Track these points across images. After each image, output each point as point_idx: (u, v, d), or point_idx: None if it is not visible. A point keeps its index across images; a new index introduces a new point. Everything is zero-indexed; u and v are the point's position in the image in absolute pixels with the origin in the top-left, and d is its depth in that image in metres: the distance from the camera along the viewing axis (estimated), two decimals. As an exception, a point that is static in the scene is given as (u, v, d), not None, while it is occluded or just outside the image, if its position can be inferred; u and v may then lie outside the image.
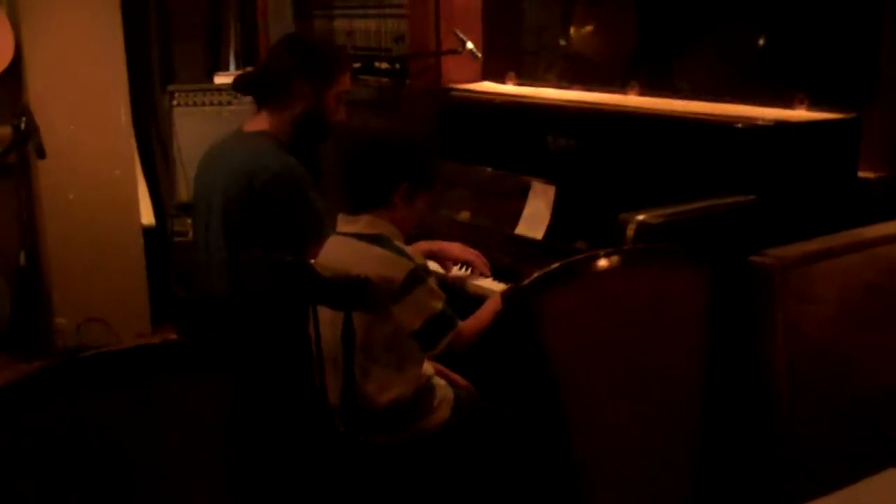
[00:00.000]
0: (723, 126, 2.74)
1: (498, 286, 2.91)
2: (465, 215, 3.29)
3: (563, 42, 3.77)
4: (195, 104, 4.62)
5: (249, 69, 4.63)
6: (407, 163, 2.64)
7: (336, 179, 2.89)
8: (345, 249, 2.63)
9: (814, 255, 2.36)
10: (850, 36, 2.85)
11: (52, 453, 1.54)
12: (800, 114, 2.82)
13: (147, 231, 4.76)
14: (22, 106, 4.29)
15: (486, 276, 3.03)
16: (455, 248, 3.07)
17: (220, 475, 1.70)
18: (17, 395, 1.51)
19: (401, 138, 2.73)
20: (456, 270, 3.08)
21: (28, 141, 4.18)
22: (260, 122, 3.08)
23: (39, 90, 4.43)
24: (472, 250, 3.08)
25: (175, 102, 4.61)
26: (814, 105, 2.83)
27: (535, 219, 3.04)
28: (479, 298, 2.88)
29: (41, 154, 4.13)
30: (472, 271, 3.06)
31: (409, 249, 2.62)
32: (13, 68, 4.38)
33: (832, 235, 2.49)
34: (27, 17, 4.39)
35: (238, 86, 3.16)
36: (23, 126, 4.16)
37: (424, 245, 3.00)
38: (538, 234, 3.01)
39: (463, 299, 2.91)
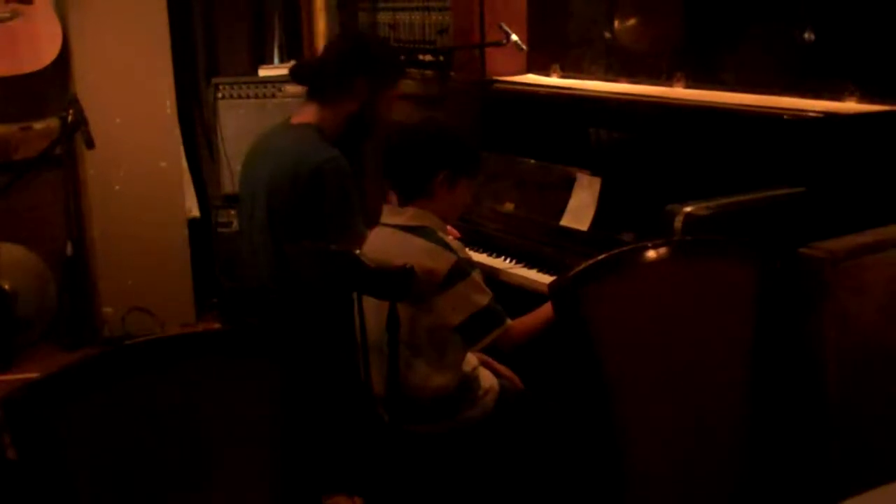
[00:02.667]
0: (771, 118, 2.71)
1: (543, 278, 2.90)
2: (509, 207, 3.29)
3: (607, 34, 3.74)
4: (240, 97, 4.66)
5: (294, 62, 4.65)
6: (443, 150, 2.64)
7: (378, 174, 2.90)
8: (389, 240, 2.63)
9: (864, 247, 2.34)
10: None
11: (99, 441, 1.55)
12: (850, 105, 2.79)
13: (192, 222, 4.80)
14: (70, 98, 4.33)
15: None
16: None
17: (265, 462, 1.71)
18: (65, 384, 1.52)
19: (436, 126, 2.73)
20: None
21: (76, 132, 4.22)
22: (308, 115, 3.09)
23: (87, 82, 4.48)
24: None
25: (220, 95, 4.65)
26: (864, 96, 2.79)
27: (580, 210, 3.03)
28: (524, 290, 2.88)
29: (90, 144, 4.17)
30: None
31: (453, 243, 2.62)
32: (61, 60, 4.43)
33: (882, 228, 2.46)
34: (75, 10, 4.45)
35: (295, 74, 3.19)
36: (70, 118, 4.20)
37: None
38: (583, 225, 3.00)
39: (505, 291, 2.90)
